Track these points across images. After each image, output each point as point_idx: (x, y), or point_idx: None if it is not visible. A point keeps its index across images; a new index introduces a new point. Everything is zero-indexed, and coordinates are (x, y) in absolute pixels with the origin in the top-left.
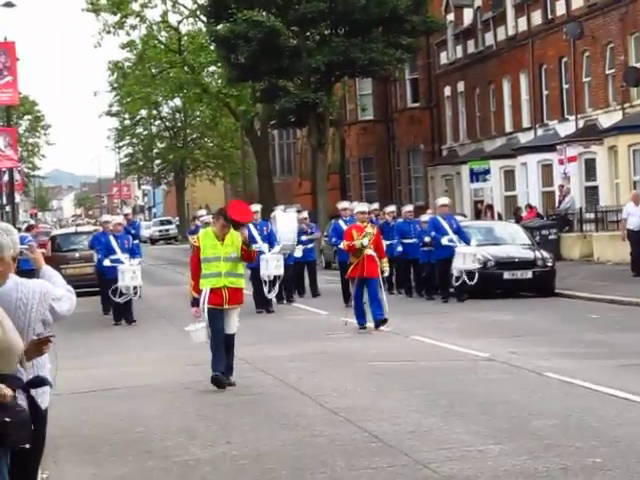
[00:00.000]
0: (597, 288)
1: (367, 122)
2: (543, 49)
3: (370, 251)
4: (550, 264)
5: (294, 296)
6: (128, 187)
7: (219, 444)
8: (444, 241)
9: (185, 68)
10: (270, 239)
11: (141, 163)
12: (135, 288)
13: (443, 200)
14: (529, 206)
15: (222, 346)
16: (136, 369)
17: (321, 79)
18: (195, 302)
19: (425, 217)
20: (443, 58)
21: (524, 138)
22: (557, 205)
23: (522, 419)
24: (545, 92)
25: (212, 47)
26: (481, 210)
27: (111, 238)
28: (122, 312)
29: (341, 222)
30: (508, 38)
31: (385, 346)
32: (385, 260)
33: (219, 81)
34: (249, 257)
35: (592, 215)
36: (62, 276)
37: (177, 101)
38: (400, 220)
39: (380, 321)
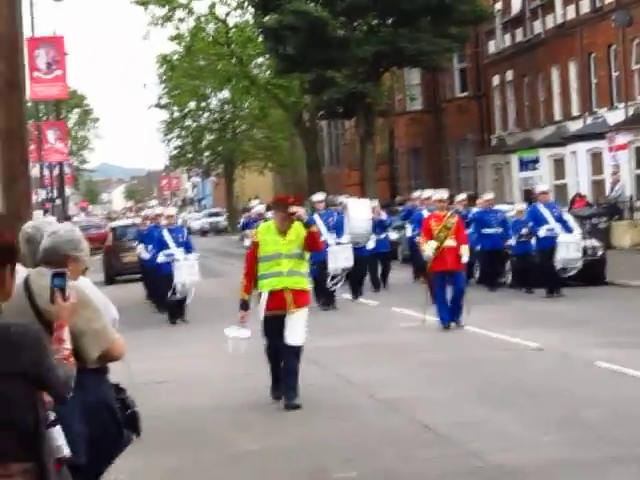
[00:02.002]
0: None
1: (415, 112)
2: (592, 37)
3: (451, 242)
4: (600, 253)
5: (362, 290)
6: (177, 179)
7: (271, 435)
8: (542, 232)
9: (233, 60)
10: (337, 230)
11: (190, 155)
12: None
13: (543, 187)
14: (579, 195)
15: (279, 364)
16: (187, 362)
17: (369, 69)
18: (244, 305)
19: (520, 206)
20: (491, 47)
21: (573, 127)
22: (607, 193)
23: (572, 409)
24: (594, 80)
25: (260, 39)
26: (532, 199)
27: (164, 232)
28: (178, 311)
29: (425, 212)
30: (556, 26)
31: (435, 337)
32: (465, 247)
33: (267, 73)
34: (314, 244)
35: None
36: (121, 263)
37: (225, 93)
38: (478, 209)
39: (458, 323)
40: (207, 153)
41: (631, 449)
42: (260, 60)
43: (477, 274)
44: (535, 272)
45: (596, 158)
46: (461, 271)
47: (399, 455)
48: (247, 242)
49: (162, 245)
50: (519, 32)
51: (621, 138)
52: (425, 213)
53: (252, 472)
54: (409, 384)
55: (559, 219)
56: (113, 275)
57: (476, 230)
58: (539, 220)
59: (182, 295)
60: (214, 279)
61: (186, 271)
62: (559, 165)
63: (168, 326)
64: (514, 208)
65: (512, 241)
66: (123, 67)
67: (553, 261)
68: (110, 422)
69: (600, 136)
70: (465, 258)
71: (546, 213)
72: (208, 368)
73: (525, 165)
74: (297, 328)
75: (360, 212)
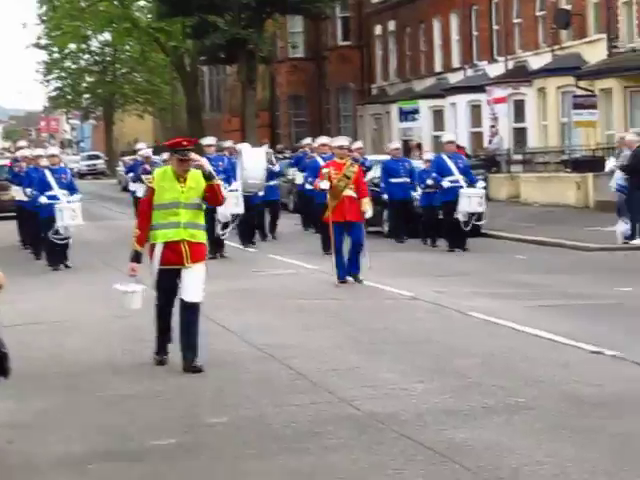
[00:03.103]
0: (524, 229)
1: (297, 60)
2: None
3: (350, 192)
4: None
5: (255, 240)
6: (56, 121)
7: (144, 379)
8: (445, 183)
9: (115, 2)
10: (227, 175)
11: (70, 97)
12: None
13: (449, 136)
14: (457, 146)
15: (169, 321)
16: (63, 304)
17: (252, 15)
18: (136, 257)
19: (429, 155)
20: None
21: (454, 78)
22: (486, 146)
23: (446, 358)
24: (475, 33)
25: None
26: (410, 149)
27: (46, 173)
28: (59, 257)
29: (319, 159)
30: None
31: (312, 284)
32: (366, 200)
33: (149, 16)
34: (215, 198)
35: (520, 156)
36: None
37: (107, 35)
38: (387, 158)
39: (356, 277)
40: (87, 95)
41: (502, 399)
42: (142, 3)
43: (385, 226)
44: (439, 224)
45: (475, 110)
46: (360, 222)
47: (272, 402)
48: (133, 187)
49: (44, 187)
50: None
51: (500, 91)
52: (319, 161)
53: (123, 416)
54: (284, 331)
55: (464, 170)
56: None
57: (384, 179)
58: (443, 171)
59: (64, 236)
60: (93, 223)
61: (68, 214)
62: (439, 116)
63: (45, 269)
64: (423, 158)
65: (417, 192)
66: (2, 4)
67: (455, 214)
68: None
69: (480, 88)
70: (369, 213)
71: (451, 164)
72: (85, 310)
73: (405, 115)
74: (195, 284)
75: (255, 161)
